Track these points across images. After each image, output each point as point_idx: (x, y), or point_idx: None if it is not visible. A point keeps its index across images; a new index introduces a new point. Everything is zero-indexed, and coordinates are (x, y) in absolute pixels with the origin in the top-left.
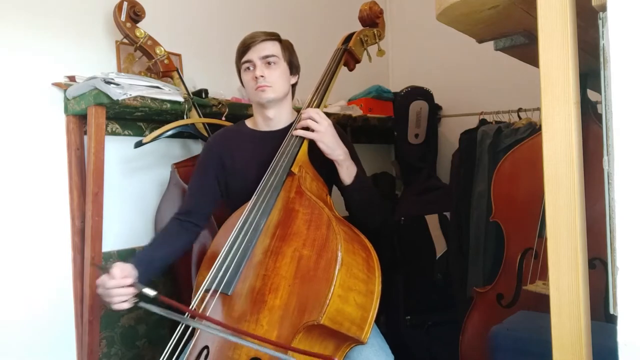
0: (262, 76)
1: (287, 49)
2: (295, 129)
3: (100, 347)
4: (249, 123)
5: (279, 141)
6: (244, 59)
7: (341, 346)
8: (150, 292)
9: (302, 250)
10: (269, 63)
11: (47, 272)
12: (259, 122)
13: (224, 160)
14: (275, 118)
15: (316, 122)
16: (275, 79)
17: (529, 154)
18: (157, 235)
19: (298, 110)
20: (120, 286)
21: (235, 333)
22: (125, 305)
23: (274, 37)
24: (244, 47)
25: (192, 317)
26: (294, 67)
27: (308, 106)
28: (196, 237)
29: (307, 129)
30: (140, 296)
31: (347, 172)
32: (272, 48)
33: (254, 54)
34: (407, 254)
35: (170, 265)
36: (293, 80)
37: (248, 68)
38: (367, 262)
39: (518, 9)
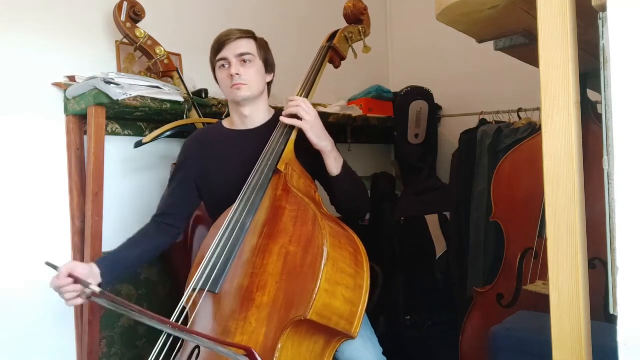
0: (237, 74)
1: (263, 47)
2: (284, 116)
3: (100, 347)
4: (225, 123)
5: (257, 139)
6: (219, 56)
7: (331, 341)
8: (94, 288)
9: (288, 247)
10: (244, 61)
11: (47, 272)
12: (235, 121)
13: (202, 162)
14: (251, 116)
15: (301, 113)
16: (251, 77)
17: (529, 154)
18: (134, 235)
19: (277, 109)
20: (63, 285)
21: (200, 338)
22: (80, 301)
23: (249, 34)
24: (219, 45)
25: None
26: (269, 65)
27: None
28: (174, 238)
29: (295, 117)
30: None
31: (335, 163)
32: (247, 46)
33: (229, 52)
34: (407, 254)
35: (169, 266)
36: (268, 78)
37: (223, 66)
38: (354, 257)
39: (518, 9)
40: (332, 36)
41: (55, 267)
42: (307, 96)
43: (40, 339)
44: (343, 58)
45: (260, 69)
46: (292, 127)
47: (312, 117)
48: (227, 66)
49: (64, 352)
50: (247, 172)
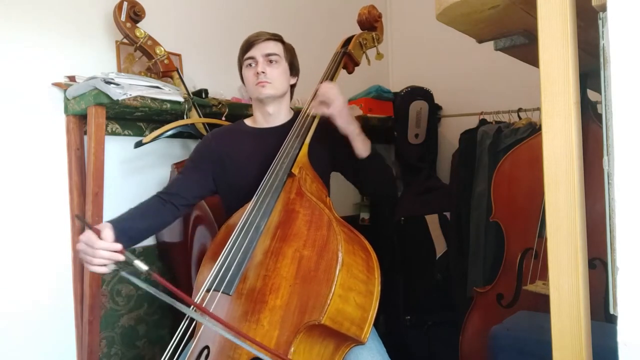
0: (263, 72)
1: (289, 51)
2: (310, 108)
3: (100, 347)
4: (248, 122)
5: (279, 136)
6: (247, 55)
7: (341, 346)
8: (142, 266)
9: (302, 250)
10: (270, 61)
11: (47, 272)
12: (258, 119)
13: (224, 158)
14: (274, 114)
15: (332, 98)
16: (276, 76)
17: (529, 154)
18: (137, 207)
19: (297, 110)
20: (109, 250)
21: (230, 331)
22: (104, 270)
23: (277, 37)
24: (248, 44)
25: (179, 299)
26: (294, 69)
27: (307, 108)
28: (173, 220)
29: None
30: (122, 265)
31: (363, 146)
32: (274, 47)
33: (257, 51)
34: (407, 254)
35: (168, 265)
36: (292, 81)
37: (250, 64)
38: (366, 263)
39: (518, 9)
40: (347, 42)
41: (84, 221)
42: None
43: (40, 339)
44: (357, 64)
45: (286, 70)
46: (307, 130)
47: (340, 104)
48: (253, 65)
49: (64, 352)
50: (266, 169)
